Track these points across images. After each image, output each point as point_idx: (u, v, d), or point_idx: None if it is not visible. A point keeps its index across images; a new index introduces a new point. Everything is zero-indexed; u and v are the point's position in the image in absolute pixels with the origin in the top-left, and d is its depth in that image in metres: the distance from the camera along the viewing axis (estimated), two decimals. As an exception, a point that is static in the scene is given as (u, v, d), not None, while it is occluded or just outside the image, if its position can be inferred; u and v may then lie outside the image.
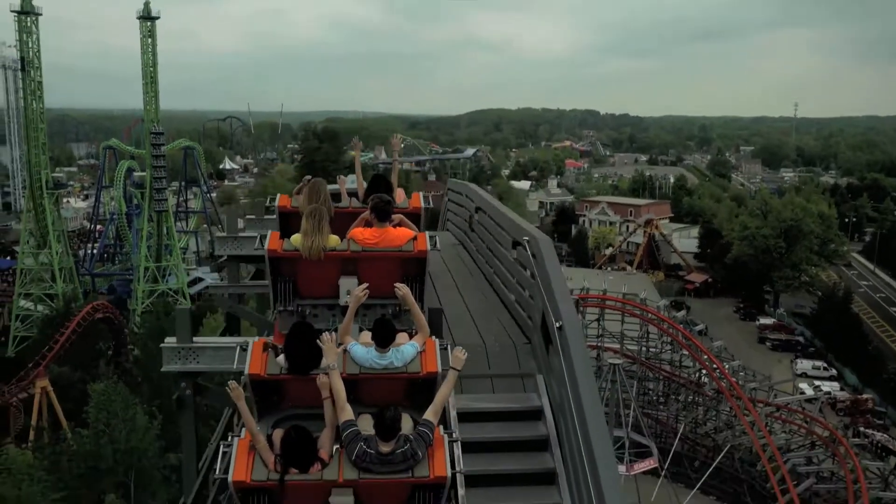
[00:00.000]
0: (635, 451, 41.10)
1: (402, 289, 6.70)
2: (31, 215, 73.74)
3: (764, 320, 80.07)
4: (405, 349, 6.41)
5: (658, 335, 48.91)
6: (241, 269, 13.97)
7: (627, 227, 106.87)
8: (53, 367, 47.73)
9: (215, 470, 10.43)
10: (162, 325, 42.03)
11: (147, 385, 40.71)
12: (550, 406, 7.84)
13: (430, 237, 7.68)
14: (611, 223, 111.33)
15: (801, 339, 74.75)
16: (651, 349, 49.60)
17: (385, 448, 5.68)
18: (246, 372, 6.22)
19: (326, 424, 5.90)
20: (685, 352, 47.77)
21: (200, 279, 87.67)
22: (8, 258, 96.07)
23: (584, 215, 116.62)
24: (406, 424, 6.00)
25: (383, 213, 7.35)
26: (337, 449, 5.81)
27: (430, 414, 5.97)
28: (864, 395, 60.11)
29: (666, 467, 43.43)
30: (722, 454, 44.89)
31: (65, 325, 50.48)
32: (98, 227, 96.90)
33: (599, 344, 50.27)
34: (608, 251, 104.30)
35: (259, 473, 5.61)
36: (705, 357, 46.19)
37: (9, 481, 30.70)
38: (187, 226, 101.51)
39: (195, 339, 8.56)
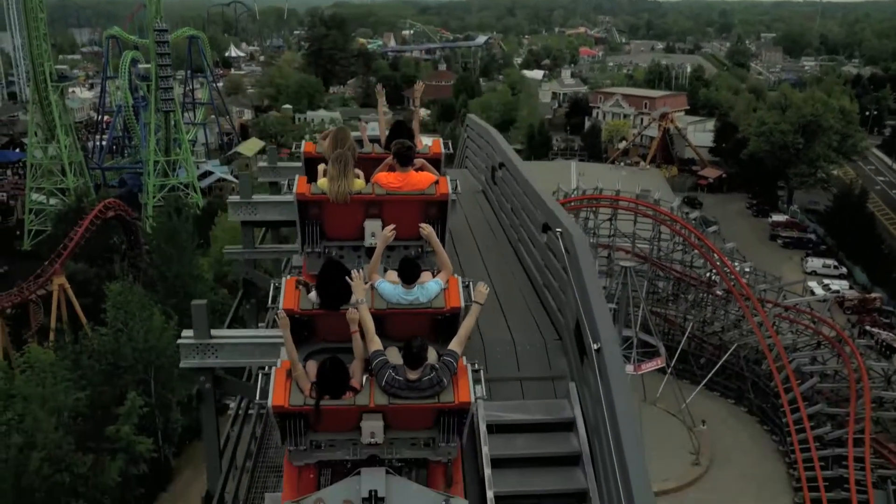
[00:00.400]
0: (643, 351, 41.81)
1: (427, 228, 7.06)
2: (37, 108, 72.81)
3: (776, 217, 79.64)
4: (430, 286, 6.73)
5: (670, 235, 48.76)
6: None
7: (642, 119, 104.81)
8: (69, 264, 48.26)
9: (234, 457, 10.53)
10: (174, 226, 42.14)
11: (162, 285, 41.19)
12: (584, 418, 7.62)
13: (451, 181, 7.85)
14: (625, 116, 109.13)
15: (812, 236, 74.50)
16: (662, 249, 49.55)
17: (412, 375, 6.05)
18: (280, 307, 6.52)
19: (356, 356, 6.26)
20: (697, 252, 47.75)
21: (210, 172, 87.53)
22: (17, 150, 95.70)
23: (598, 107, 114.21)
24: (431, 355, 6.33)
25: (405, 158, 7.60)
26: (367, 378, 6.19)
27: (455, 345, 6.31)
28: (873, 294, 60.43)
29: (672, 364, 44.30)
30: (728, 353, 45.61)
31: (78, 222, 50.68)
32: (105, 118, 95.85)
33: (611, 244, 50.31)
34: (622, 145, 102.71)
35: (296, 399, 6.04)
36: (716, 258, 46.25)
37: (33, 379, 31.57)
38: (195, 117, 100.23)
39: (213, 332, 8.40)
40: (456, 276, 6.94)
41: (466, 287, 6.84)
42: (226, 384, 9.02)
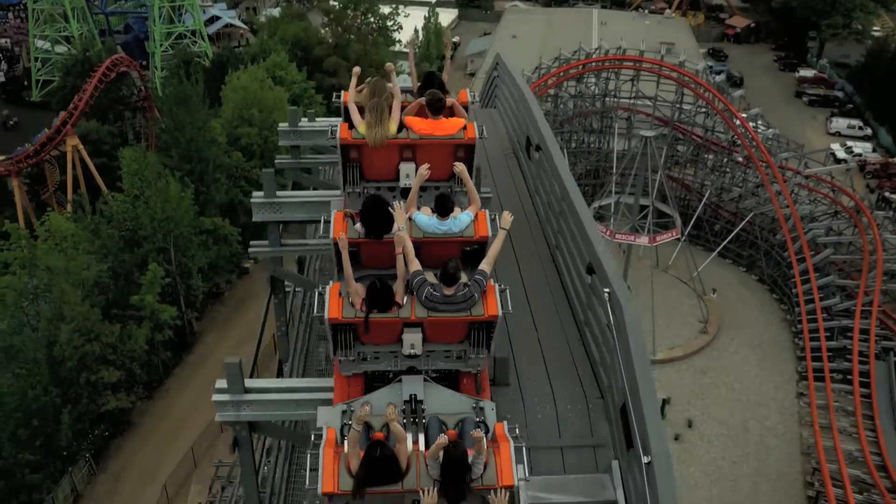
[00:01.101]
0: (659, 222, 41.69)
1: (459, 166, 7.89)
2: (29, -55, 69.12)
3: (804, 72, 76.62)
4: (461, 217, 7.56)
5: (694, 99, 47.29)
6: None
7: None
8: (81, 123, 47.64)
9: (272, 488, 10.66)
10: (184, 89, 41.02)
11: (176, 150, 40.69)
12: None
13: (478, 127, 8.41)
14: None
15: (840, 94, 72.03)
16: (684, 112, 48.20)
17: (448, 291, 6.91)
18: (331, 236, 7.40)
19: (398, 277, 7.11)
20: (720, 117, 46.51)
21: (217, 17, 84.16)
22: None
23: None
24: (462, 278, 7.11)
25: (437, 107, 8.25)
26: (408, 298, 7.08)
27: (485, 265, 7.17)
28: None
29: (687, 231, 44.34)
30: (745, 221, 45.48)
31: (86, 80, 49.57)
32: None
33: (632, 106, 48.97)
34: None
35: (349, 312, 7.00)
36: (739, 124, 45.08)
37: (55, 250, 32.00)
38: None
39: (247, 383, 8.27)
40: (484, 210, 7.68)
41: (493, 220, 7.62)
42: (262, 428, 9.07)
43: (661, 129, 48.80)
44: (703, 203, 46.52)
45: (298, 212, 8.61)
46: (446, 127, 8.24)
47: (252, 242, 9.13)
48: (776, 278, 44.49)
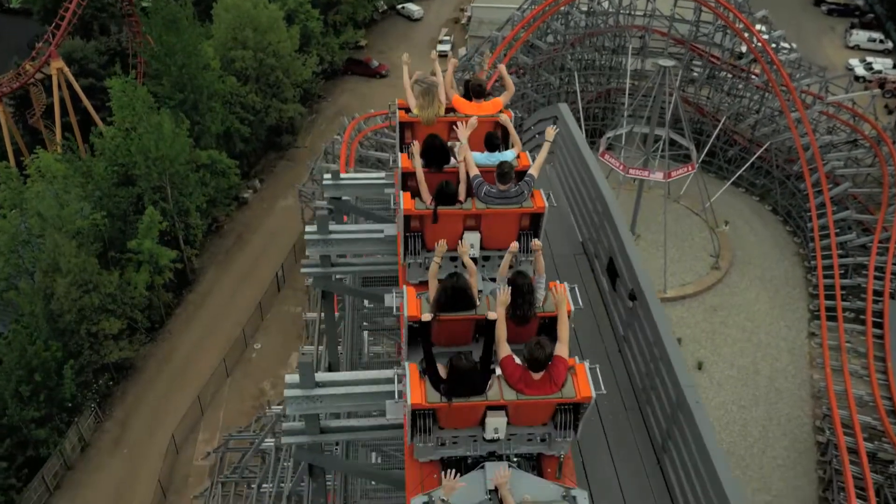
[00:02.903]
0: (673, 152, 39.97)
1: (503, 117, 9.35)
2: None
3: (823, -23, 72.83)
4: (507, 153, 8.90)
5: (713, 18, 44.71)
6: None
7: None
8: (65, 43, 44.96)
9: None
10: (172, 11, 38.19)
11: (167, 79, 38.35)
12: None
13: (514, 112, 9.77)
14: None
15: (860, 2, 68.62)
16: (702, 31, 45.70)
17: (503, 187, 8.11)
18: (399, 167, 8.67)
19: (461, 181, 8.28)
20: (739, 38, 44.14)
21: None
22: None
23: None
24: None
25: (478, 92, 9.69)
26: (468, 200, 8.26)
27: (533, 170, 8.39)
28: (918, 76, 56.91)
29: (700, 159, 42.71)
30: (762, 149, 43.85)
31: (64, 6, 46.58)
32: None
33: (647, 25, 46.40)
34: None
35: (420, 206, 8.16)
36: (759, 46, 42.79)
37: (47, 195, 30.43)
38: None
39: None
40: (525, 151, 8.98)
41: (533, 154, 8.85)
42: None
43: (678, 49, 46.49)
44: (717, 130, 44.70)
45: (342, 401, 7.41)
46: (486, 107, 9.59)
47: (285, 427, 8.03)
48: (790, 209, 43.34)
